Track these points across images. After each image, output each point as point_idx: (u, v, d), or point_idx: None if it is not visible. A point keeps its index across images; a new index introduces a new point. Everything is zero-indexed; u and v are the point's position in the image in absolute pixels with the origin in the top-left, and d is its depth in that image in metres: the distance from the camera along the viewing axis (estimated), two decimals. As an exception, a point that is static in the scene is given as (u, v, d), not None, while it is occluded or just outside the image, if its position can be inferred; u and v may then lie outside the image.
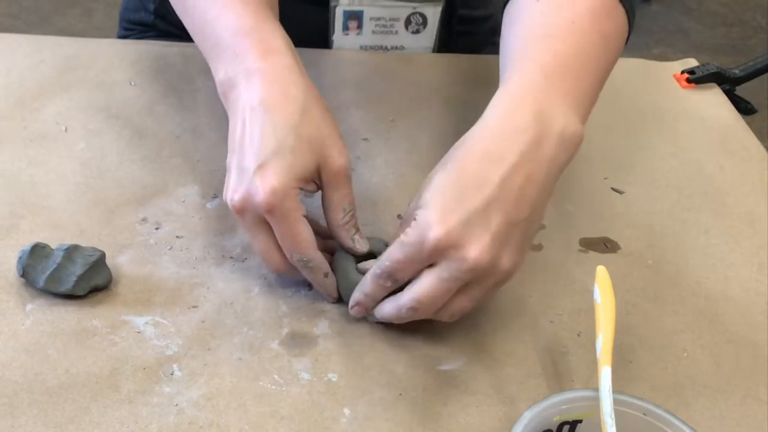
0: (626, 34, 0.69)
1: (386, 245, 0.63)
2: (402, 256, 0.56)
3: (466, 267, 0.55)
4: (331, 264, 0.63)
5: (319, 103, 0.62)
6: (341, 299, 0.63)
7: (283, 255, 0.60)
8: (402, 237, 0.56)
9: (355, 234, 0.62)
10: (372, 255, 0.63)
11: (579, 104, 0.61)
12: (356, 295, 0.61)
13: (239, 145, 0.60)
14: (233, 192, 0.59)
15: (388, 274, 0.58)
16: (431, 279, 0.56)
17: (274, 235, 0.60)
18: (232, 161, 0.60)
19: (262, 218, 0.59)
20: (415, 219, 0.56)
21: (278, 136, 0.58)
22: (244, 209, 0.59)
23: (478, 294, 0.58)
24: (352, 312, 0.61)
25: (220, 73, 0.64)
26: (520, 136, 0.56)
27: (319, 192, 0.62)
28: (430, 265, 0.56)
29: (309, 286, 0.65)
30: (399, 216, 0.72)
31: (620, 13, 0.67)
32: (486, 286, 0.57)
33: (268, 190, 0.57)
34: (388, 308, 0.59)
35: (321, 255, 0.61)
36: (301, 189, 0.59)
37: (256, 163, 0.58)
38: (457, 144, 0.59)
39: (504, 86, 0.61)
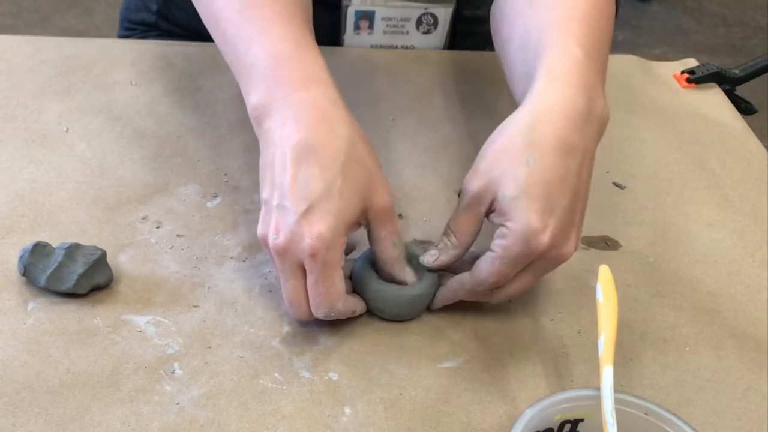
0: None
1: (419, 243, 0.63)
2: (509, 268, 0.57)
3: (560, 261, 0.58)
4: (350, 277, 0.63)
5: (361, 137, 0.60)
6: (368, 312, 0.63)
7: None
8: (501, 251, 0.56)
9: (406, 266, 0.62)
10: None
11: (604, 86, 0.63)
12: (442, 299, 0.63)
13: (280, 183, 0.57)
14: (276, 231, 0.56)
15: (492, 286, 0.58)
16: (528, 278, 0.59)
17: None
18: (273, 198, 0.57)
19: (302, 264, 0.57)
20: (508, 226, 0.56)
21: (326, 177, 0.56)
22: (286, 252, 0.56)
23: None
24: (436, 307, 0.63)
25: (252, 97, 0.61)
26: (579, 118, 0.58)
27: None
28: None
29: None
30: (399, 215, 0.72)
31: (614, 9, 0.71)
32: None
33: (315, 236, 0.55)
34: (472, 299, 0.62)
35: (346, 302, 0.59)
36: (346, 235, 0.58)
37: (304, 206, 0.56)
38: (520, 122, 0.58)
39: (550, 59, 0.61)
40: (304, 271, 0.57)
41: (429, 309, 0.64)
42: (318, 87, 0.60)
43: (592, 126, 0.59)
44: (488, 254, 0.57)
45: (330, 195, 0.56)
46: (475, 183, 0.59)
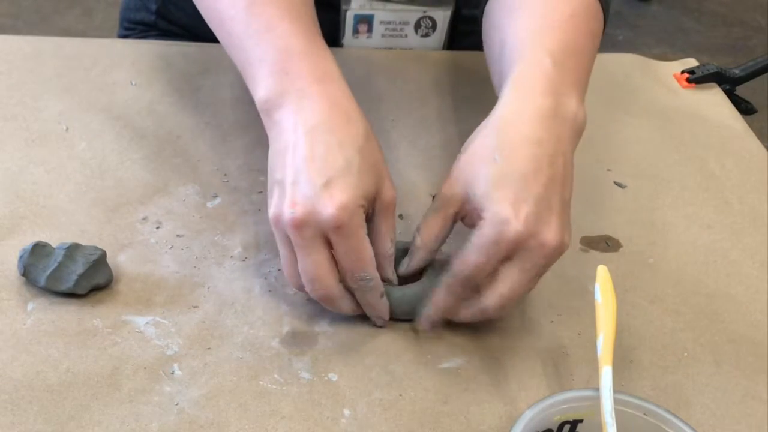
0: (600, 38, 0.73)
1: (403, 245, 0.63)
2: (482, 257, 0.56)
3: (546, 252, 0.56)
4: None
5: (372, 132, 0.61)
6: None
7: (335, 278, 0.58)
8: (474, 239, 0.56)
9: (392, 266, 0.62)
10: None
11: (580, 93, 0.64)
12: (426, 311, 0.60)
13: (294, 163, 0.57)
14: (292, 206, 0.56)
15: (467, 280, 0.57)
16: (515, 273, 0.57)
17: (330, 255, 0.58)
18: (287, 177, 0.57)
19: (323, 235, 0.56)
20: (482, 217, 0.56)
21: (346, 154, 0.57)
22: (305, 224, 0.56)
23: (542, 273, 0.59)
24: (422, 326, 0.61)
25: (261, 90, 0.61)
26: (545, 118, 0.59)
27: None
28: (504, 260, 0.57)
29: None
30: (400, 216, 0.72)
31: (601, 18, 0.72)
32: (551, 264, 0.58)
33: (338, 206, 0.55)
34: (469, 314, 0.60)
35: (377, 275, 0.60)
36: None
37: (324, 179, 0.56)
38: (488, 129, 0.60)
39: (518, 71, 0.63)
40: (325, 243, 0.57)
41: (414, 327, 0.62)
42: (332, 82, 0.61)
43: (562, 126, 0.60)
44: (464, 245, 0.57)
45: (350, 170, 0.57)
46: (446, 187, 0.60)
